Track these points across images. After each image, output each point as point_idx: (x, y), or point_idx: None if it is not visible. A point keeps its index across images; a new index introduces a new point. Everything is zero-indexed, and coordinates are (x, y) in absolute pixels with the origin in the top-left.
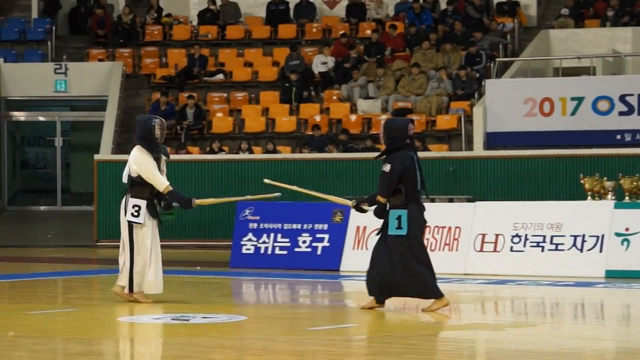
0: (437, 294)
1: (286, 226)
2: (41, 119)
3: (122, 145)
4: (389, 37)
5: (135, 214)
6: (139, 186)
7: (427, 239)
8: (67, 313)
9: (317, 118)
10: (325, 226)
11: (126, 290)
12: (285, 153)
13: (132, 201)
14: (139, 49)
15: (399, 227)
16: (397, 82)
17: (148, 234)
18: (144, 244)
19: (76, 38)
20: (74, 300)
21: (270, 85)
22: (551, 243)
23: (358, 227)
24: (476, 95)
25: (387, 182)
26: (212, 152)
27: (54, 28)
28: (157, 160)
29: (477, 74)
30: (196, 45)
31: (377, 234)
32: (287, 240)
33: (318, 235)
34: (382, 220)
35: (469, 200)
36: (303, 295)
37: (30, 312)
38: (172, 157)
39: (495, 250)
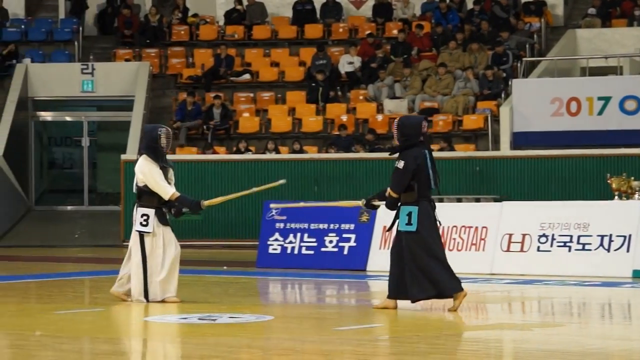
0: (451, 291)
1: (313, 226)
2: (68, 119)
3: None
4: (416, 36)
5: (144, 223)
6: (147, 195)
7: (454, 239)
8: (94, 313)
9: (344, 118)
10: (352, 226)
11: (140, 297)
12: (311, 153)
13: (141, 210)
14: (166, 49)
15: (409, 223)
16: (423, 82)
17: (159, 243)
18: (155, 253)
19: (103, 38)
20: (101, 300)
21: (296, 85)
22: (578, 243)
23: (384, 227)
24: (503, 95)
25: (400, 179)
26: (238, 152)
27: (81, 28)
28: (164, 169)
29: (503, 74)
30: (223, 45)
31: (388, 231)
32: (314, 240)
33: (345, 235)
34: (392, 215)
35: (495, 200)
36: (329, 295)
37: (58, 312)
38: (199, 157)
39: (522, 250)
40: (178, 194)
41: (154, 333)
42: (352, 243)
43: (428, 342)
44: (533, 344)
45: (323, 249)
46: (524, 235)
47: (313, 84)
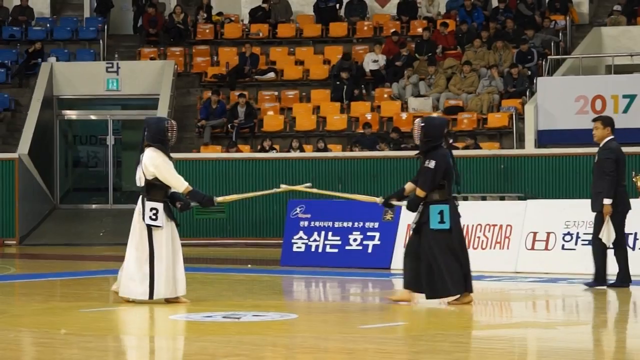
0: (458, 291)
1: (337, 224)
2: (93, 117)
3: (174, 144)
4: (440, 35)
5: (154, 217)
6: (156, 189)
7: (479, 237)
8: (118, 311)
9: (368, 116)
10: (376, 224)
11: (144, 296)
12: (336, 151)
13: (149, 204)
14: (191, 47)
15: (442, 222)
16: (448, 80)
17: (169, 237)
18: (163, 248)
19: (128, 37)
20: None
21: (321, 83)
22: None
23: (409, 226)
24: (527, 93)
25: (431, 178)
26: (263, 150)
27: (106, 27)
28: (172, 161)
29: (528, 72)
30: (247, 44)
31: (414, 230)
32: (338, 238)
33: (369, 234)
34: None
35: (520, 198)
36: (354, 294)
37: (83, 310)
38: (224, 155)
39: (546, 249)
40: (190, 188)
41: (179, 331)
42: (377, 241)
43: (452, 341)
44: (557, 342)
45: (347, 247)
46: (548, 233)
47: (337, 82)
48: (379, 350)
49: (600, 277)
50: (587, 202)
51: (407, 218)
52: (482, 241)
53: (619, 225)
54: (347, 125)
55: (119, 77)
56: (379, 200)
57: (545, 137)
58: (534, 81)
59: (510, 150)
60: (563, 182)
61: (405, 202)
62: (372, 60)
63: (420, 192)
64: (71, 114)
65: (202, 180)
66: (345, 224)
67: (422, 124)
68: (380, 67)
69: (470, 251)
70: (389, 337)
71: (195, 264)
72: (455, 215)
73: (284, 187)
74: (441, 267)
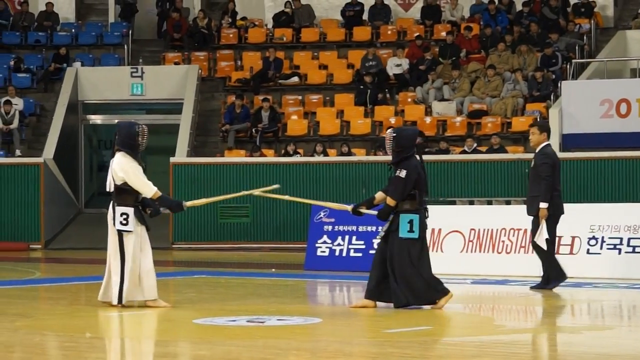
0: (435, 298)
1: (361, 228)
2: (117, 122)
3: (198, 148)
4: (464, 38)
5: (124, 222)
6: (125, 194)
7: (503, 242)
8: (143, 315)
9: (392, 120)
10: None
11: (114, 301)
12: (360, 155)
13: (120, 209)
14: (215, 52)
15: (411, 231)
16: (472, 84)
17: (138, 242)
18: (134, 252)
19: (152, 42)
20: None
21: (345, 87)
22: (628, 245)
23: (433, 230)
24: (552, 97)
25: (402, 187)
26: (286, 154)
27: (130, 32)
28: (142, 167)
29: (553, 76)
30: (271, 48)
31: (381, 238)
32: (362, 242)
33: None
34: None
35: None
36: None
37: (107, 314)
38: (248, 159)
39: (571, 253)
40: (160, 193)
41: (202, 335)
42: None
43: (476, 345)
44: (582, 347)
45: (371, 252)
46: (573, 237)
47: (361, 87)
48: (403, 354)
49: (557, 275)
50: (612, 206)
51: (432, 222)
52: (507, 245)
53: (550, 229)
54: (371, 130)
55: (143, 82)
56: (349, 207)
57: (569, 141)
58: (559, 85)
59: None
60: (588, 186)
61: (374, 211)
62: (396, 64)
63: (390, 201)
64: (96, 119)
65: (226, 185)
66: (369, 228)
67: (394, 135)
68: (404, 71)
69: (495, 255)
70: (413, 341)
71: (220, 268)
72: (424, 226)
73: (257, 192)
74: (405, 277)
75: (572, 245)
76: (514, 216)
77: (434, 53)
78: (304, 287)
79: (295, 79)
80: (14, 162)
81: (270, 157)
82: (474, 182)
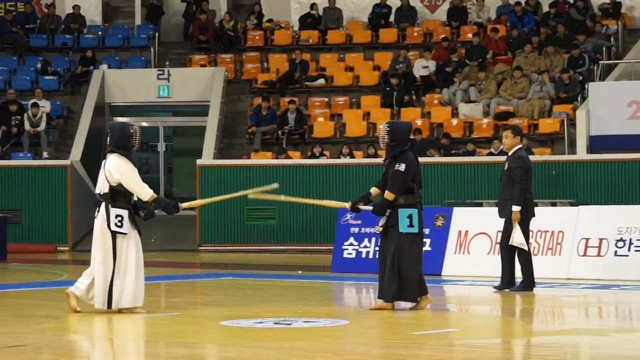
0: (416, 296)
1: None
2: (144, 124)
3: (224, 150)
4: (491, 40)
5: (119, 224)
6: (120, 195)
7: (530, 243)
8: (170, 317)
9: (419, 122)
10: (427, 230)
11: (103, 306)
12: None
13: (114, 211)
14: (241, 54)
15: (411, 225)
16: (498, 86)
17: (132, 245)
18: (128, 255)
19: (178, 44)
20: (177, 304)
21: (371, 89)
22: None
23: (460, 232)
24: (579, 99)
25: (401, 181)
26: (313, 156)
27: (156, 34)
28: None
29: (580, 77)
30: (297, 50)
31: (381, 232)
32: None
33: None
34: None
35: (572, 204)
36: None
37: (134, 316)
38: (274, 162)
39: (599, 255)
40: (155, 195)
41: (230, 337)
42: (427, 247)
43: (503, 348)
44: (610, 350)
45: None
46: (600, 239)
47: (388, 89)
48: (430, 357)
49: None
50: None
51: (458, 224)
52: (534, 247)
53: (522, 231)
54: None
55: (169, 84)
56: (347, 205)
57: (597, 143)
58: (586, 86)
59: (561, 156)
60: (615, 187)
61: (370, 207)
62: (422, 66)
63: (389, 195)
64: (122, 121)
65: (252, 186)
66: None
67: (388, 129)
68: (430, 73)
69: None
70: (440, 343)
71: (246, 270)
72: (421, 220)
73: (252, 195)
74: (402, 272)
75: (599, 247)
76: (541, 218)
77: (461, 55)
78: (331, 289)
79: (322, 81)
80: (41, 164)
81: (296, 159)
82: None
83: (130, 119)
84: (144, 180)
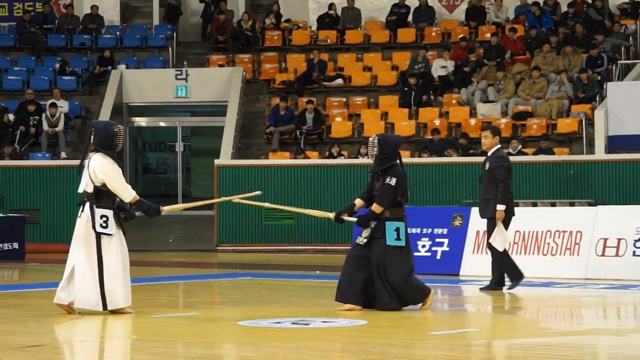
0: (421, 298)
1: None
2: (162, 124)
3: (242, 150)
4: (509, 40)
5: (104, 224)
6: (104, 196)
7: (548, 244)
8: (188, 317)
9: (437, 122)
10: (445, 230)
11: (97, 307)
12: (404, 157)
13: (99, 211)
14: (259, 54)
15: (398, 239)
16: (517, 86)
17: (118, 246)
18: (114, 256)
19: (196, 44)
20: (195, 304)
21: (389, 89)
22: None
23: (478, 232)
24: (597, 99)
25: (391, 195)
26: (331, 156)
27: (175, 34)
28: (121, 167)
29: (598, 77)
30: (315, 50)
31: (363, 245)
32: None
33: (438, 240)
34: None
35: (590, 204)
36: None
37: (152, 316)
38: (292, 162)
39: (617, 255)
40: (138, 197)
41: (247, 337)
42: (445, 247)
43: (521, 348)
44: (628, 350)
45: (416, 254)
46: (619, 239)
47: (406, 88)
48: (449, 357)
49: (498, 281)
50: None
51: (476, 224)
52: (552, 247)
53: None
54: (416, 131)
55: (188, 84)
56: (331, 215)
57: (615, 143)
58: (604, 86)
59: (580, 155)
60: (634, 187)
61: (355, 218)
62: (441, 66)
63: (377, 208)
64: (141, 121)
65: (270, 187)
66: (413, 230)
67: (378, 141)
68: (448, 73)
69: (540, 257)
70: (459, 343)
71: (264, 270)
72: (407, 233)
73: (235, 200)
74: (395, 284)
75: (617, 247)
76: (559, 218)
77: (479, 54)
78: None
79: (340, 80)
80: (59, 164)
81: (314, 159)
82: (518, 184)
83: (148, 119)
84: (161, 179)
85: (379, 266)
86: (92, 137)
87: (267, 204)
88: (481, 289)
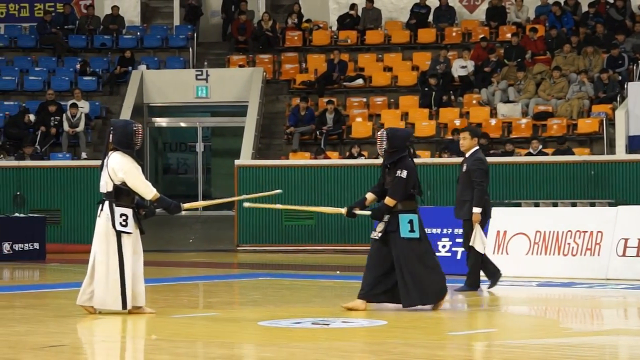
0: (437, 298)
1: (426, 230)
2: (182, 125)
3: (262, 151)
4: (530, 40)
5: (124, 223)
6: (124, 194)
7: (569, 244)
8: (208, 317)
9: (457, 122)
10: None
11: (116, 307)
12: (424, 157)
13: (119, 210)
14: (279, 54)
15: (412, 231)
16: (537, 86)
17: (137, 244)
18: (133, 254)
19: (217, 44)
20: (215, 304)
21: (409, 89)
22: None
23: (498, 232)
24: (618, 99)
25: (403, 187)
26: (351, 156)
27: (195, 35)
28: (141, 165)
29: (619, 77)
30: (335, 51)
31: (378, 238)
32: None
33: (458, 240)
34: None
35: (610, 205)
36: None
37: (173, 316)
38: (312, 162)
39: (638, 255)
40: (159, 195)
41: (267, 337)
42: None
43: (541, 348)
44: None
45: (436, 254)
46: None
47: (426, 89)
48: (468, 357)
49: (473, 283)
50: None
51: (497, 224)
52: (573, 248)
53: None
54: (436, 132)
55: (208, 85)
56: (343, 210)
57: (636, 143)
58: (625, 86)
59: (600, 156)
60: None
61: (368, 212)
62: (461, 66)
63: (390, 201)
64: (161, 122)
65: (291, 187)
66: (434, 230)
67: (387, 135)
68: (468, 73)
69: (561, 257)
70: (478, 344)
71: (284, 270)
72: (422, 225)
73: (247, 203)
74: (416, 276)
75: (638, 247)
76: (580, 218)
77: (499, 55)
78: None
79: (360, 81)
80: (80, 164)
81: (334, 160)
82: (539, 184)
83: (168, 119)
84: (182, 180)
85: (400, 260)
86: (111, 136)
87: (279, 206)
88: (456, 290)
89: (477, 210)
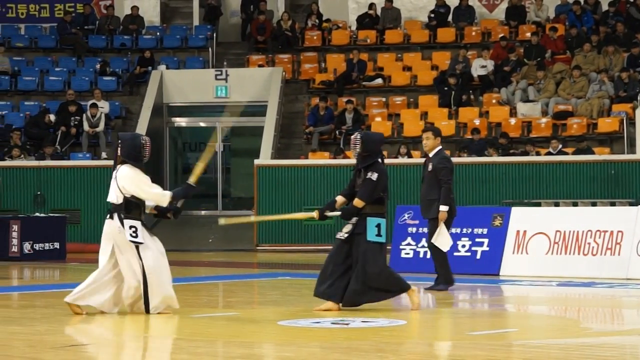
0: (404, 289)
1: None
2: (202, 124)
3: (282, 150)
4: (549, 39)
5: (134, 234)
6: (133, 206)
7: (589, 243)
8: (228, 317)
9: (477, 122)
10: (485, 230)
11: (140, 310)
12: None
13: (128, 222)
14: (298, 54)
15: (379, 235)
16: (557, 85)
17: (156, 253)
18: (153, 261)
19: (236, 44)
20: (235, 303)
21: (429, 89)
22: None
23: (518, 232)
24: (638, 98)
25: (372, 190)
26: None
27: (214, 35)
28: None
29: (639, 76)
30: (355, 50)
31: (344, 241)
32: None
33: (477, 240)
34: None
35: (631, 204)
36: (462, 300)
37: (192, 316)
38: (331, 162)
39: None
40: (171, 193)
41: (287, 337)
42: (485, 247)
43: (561, 348)
44: None
45: (456, 254)
46: None
47: (445, 88)
48: (489, 357)
49: (448, 279)
50: None
51: (517, 224)
52: (593, 247)
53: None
54: (455, 131)
55: (227, 85)
56: (315, 214)
57: None
58: None
59: (620, 155)
60: None
61: (338, 212)
62: (480, 66)
63: (359, 203)
64: (181, 121)
65: (310, 187)
66: (453, 230)
67: (361, 139)
68: (488, 73)
69: (581, 257)
70: (499, 343)
71: (304, 270)
72: (387, 230)
73: (222, 221)
74: (369, 282)
75: None
76: (600, 218)
77: (519, 54)
78: None
79: (379, 80)
80: (100, 164)
81: (353, 159)
82: (559, 184)
83: (188, 119)
84: (201, 180)
85: (359, 261)
86: (119, 149)
87: (252, 218)
88: (426, 289)
89: (444, 208)
